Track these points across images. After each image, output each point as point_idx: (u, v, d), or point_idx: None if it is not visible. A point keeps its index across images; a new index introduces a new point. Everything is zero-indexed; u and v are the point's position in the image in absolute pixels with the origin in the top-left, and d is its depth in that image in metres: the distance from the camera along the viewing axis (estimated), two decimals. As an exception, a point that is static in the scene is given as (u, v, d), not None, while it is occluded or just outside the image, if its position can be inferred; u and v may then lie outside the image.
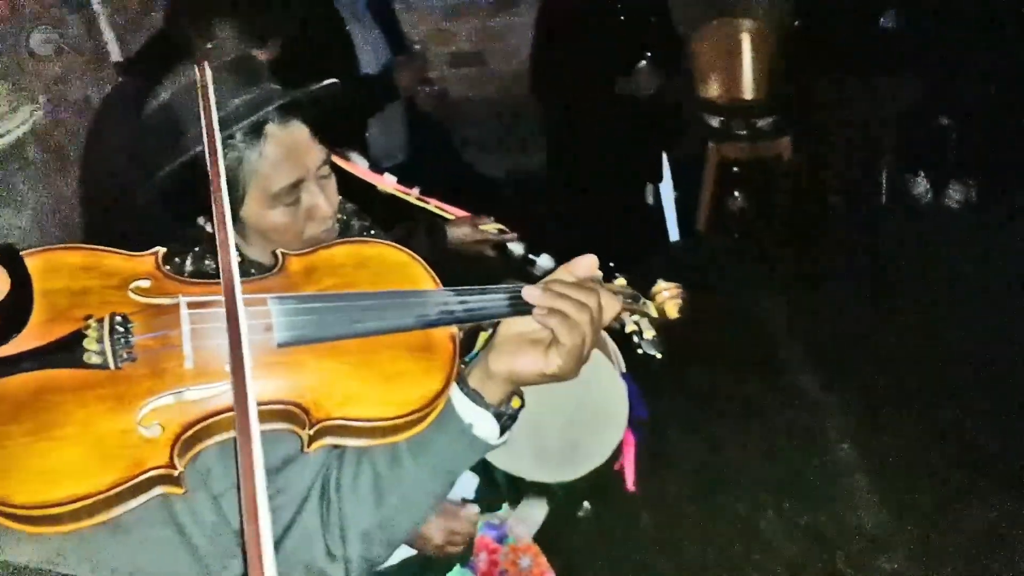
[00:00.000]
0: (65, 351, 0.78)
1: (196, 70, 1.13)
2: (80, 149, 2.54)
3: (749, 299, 3.94)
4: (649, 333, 1.13)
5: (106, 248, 0.90)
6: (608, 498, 2.69)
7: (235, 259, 0.81)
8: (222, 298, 0.79)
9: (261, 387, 0.84)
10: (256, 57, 1.71)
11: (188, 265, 1.34)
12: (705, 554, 2.61)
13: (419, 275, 1.00)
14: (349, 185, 1.41)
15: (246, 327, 0.75)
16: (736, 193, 4.79)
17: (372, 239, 1.04)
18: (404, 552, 1.70)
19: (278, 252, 0.99)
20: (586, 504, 2.74)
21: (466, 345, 1.18)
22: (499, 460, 1.69)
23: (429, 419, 0.92)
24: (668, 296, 1.16)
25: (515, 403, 1.01)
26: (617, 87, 3.78)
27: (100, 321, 0.81)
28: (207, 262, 1.35)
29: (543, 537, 1.98)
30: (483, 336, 1.20)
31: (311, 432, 0.85)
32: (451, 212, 2.20)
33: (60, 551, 0.82)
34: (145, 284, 0.87)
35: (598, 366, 1.64)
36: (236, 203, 1.29)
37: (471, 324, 1.00)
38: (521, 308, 0.97)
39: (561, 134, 4.11)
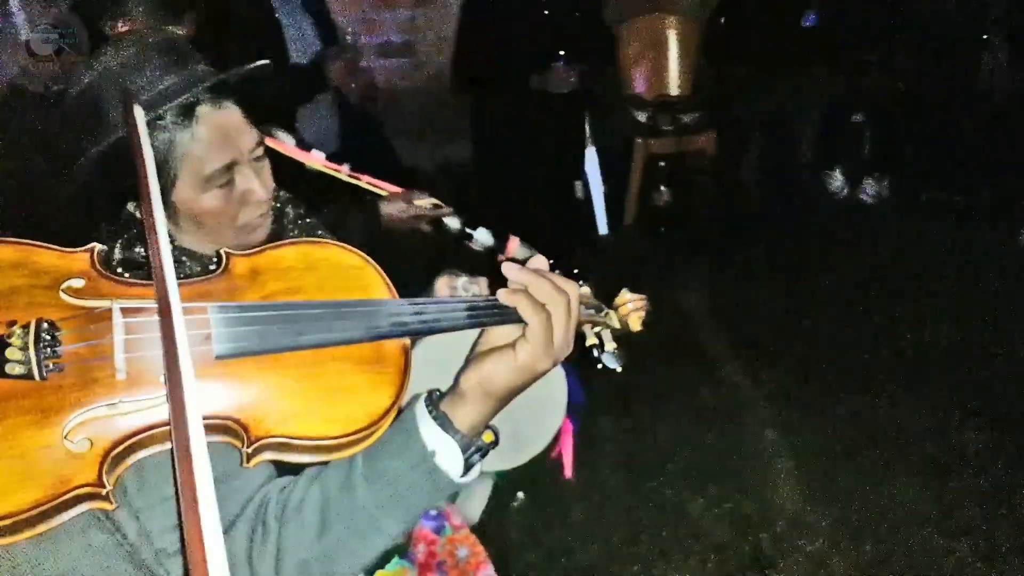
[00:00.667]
0: None
1: (124, 108, 1.07)
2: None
3: (676, 290, 4.03)
4: (610, 345, 1.08)
5: (38, 243, 0.84)
6: (541, 487, 2.71)
7: (171, 269, 0.75)
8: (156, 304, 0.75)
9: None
10: (182, 37, 1.66)
11: (117, 253, 1.29)
12: (635, 540, 2.66)
13: (372, 281, 0.94)
14: (277, 167, 1.38)
15: (185, 338, 0.69)
16: (663, 187, 4.88)
17: (323, 240, 0.99)
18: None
19: (222, 252, 0.93)
20: (520, 494, 2.77)
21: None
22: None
23: (375, 436, 0.87)
24: (632, 308, 1.13)
25: (487, 437, 0.97)
26: (531, 83, 3.72)
27: (25, 327, 0.75)
28: (137, 250, 1.30)
29: (477, 528, 1.99)
30: None
31: (250, 450, 0.81)
32: (384, 188, 2.14)
33: None
34: (78, 284, 0.82)
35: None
36: (167, 187, 1.25)
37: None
38: (480, 319, 0.94)
39: (486, 128, 4.09)
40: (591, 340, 1.08)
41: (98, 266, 0.85)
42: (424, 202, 2.15)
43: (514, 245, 2.20)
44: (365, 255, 0.97)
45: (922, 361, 3.46)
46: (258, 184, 1.32)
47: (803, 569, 2.52)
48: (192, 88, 1.22)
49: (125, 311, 0.80)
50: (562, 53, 3.69)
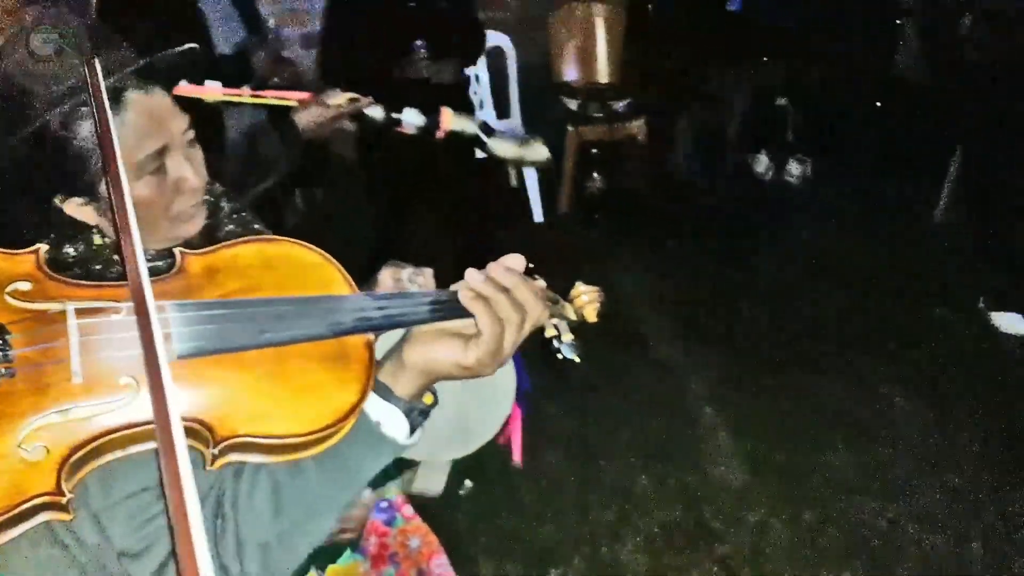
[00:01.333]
0: None
1: (85, 68, 1.03)
2: None
3: (612, 275, 4.08)
4: (567, 337, 1.09)
5: None
6: (491, 473, 2.72)
7: (144, 267, 0.72)
8: (115, 304, 0.73)
9: None
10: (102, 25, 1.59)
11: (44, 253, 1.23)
12: (585, 521, 2.69)
13: (332, 278, 0.93)
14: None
15: (160, 335, 0.67)
16: (595, 175, 4.93)
17: (280, 237, 0.97)
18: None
19: (176, 251, 0.90)
20: (467, 482, 2.77)
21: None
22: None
23: (343, 432, 0.86)
24: (587, 300, 1.14)
25: (427, 399, 0.97)
26: (394, 72, 3.39)
27: None
28: (66, 249, 1.25)
29: (428, 516, 1.98)
30: None
31: (215, 451, 0.79)
32: (292, 98, 1.97)
33: None
34: (25, 287, 0.79)
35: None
36: (96, 177, 1.20)
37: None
38: (444, 314, 0.94)
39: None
40: (550, 332, 1.09)
41: (44, 268, 0.82)
42: (339, 99, 1.97)
43: (448, 116, 2.05)
44: (324, 252, 0.95)
45: (850, 336, 3.60)
46: (191, 171, 1.28)
47: (747, 539, 2.60)
48: (117, 73, 1.17)
49: (80, 312, 0.77)
50: (419, 41, 3.36)
